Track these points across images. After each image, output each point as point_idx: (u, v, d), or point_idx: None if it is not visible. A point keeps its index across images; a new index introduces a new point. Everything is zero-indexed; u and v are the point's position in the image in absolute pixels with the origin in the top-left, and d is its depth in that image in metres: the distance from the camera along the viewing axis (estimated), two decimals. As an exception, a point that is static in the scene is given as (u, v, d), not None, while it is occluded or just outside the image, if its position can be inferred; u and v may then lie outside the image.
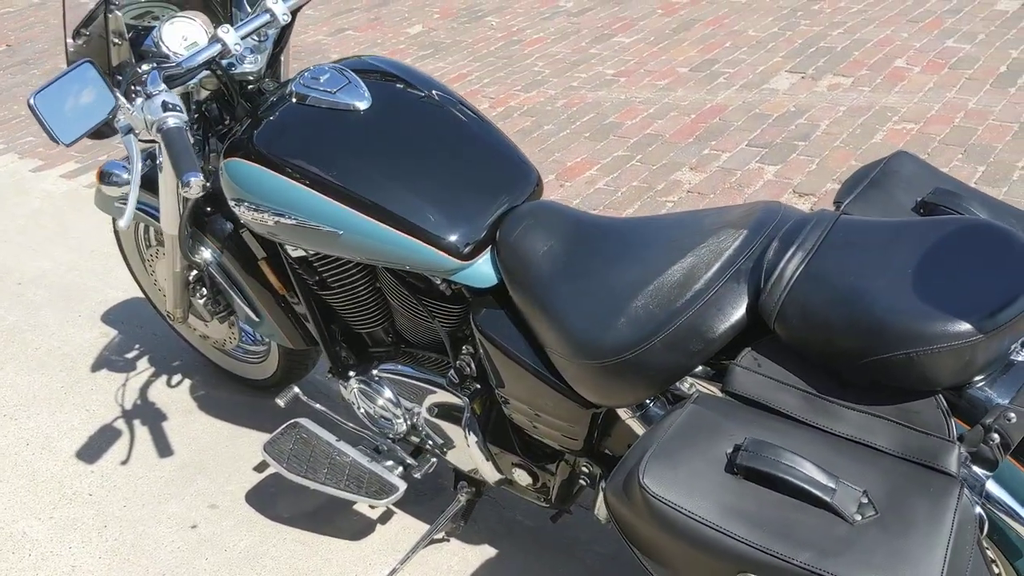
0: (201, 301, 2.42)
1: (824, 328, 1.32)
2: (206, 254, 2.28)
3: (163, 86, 1.68)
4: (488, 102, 4.54)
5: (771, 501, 1.23)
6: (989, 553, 1.41)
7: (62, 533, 2.28)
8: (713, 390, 1.49)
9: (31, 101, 1.63)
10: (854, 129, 3.82)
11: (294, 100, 1.86)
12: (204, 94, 2.06)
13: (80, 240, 3.68)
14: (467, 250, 1.72)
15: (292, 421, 2.18)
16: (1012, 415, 1.23)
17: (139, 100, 1.69)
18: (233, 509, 2.31)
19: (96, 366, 2.93)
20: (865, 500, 1.22)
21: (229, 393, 2.73)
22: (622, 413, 1.63)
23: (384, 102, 1.86)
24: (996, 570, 1.43)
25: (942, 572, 1.13)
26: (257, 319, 2.34)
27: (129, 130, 1.74)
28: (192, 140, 1.98)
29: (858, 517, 1.20)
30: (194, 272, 2.37)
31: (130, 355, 2.97)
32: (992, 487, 1.30)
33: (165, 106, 1.62)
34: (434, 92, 1.94)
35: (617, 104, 4.35)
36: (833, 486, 1.22)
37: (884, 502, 1.21)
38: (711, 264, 1.47)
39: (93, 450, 2.56)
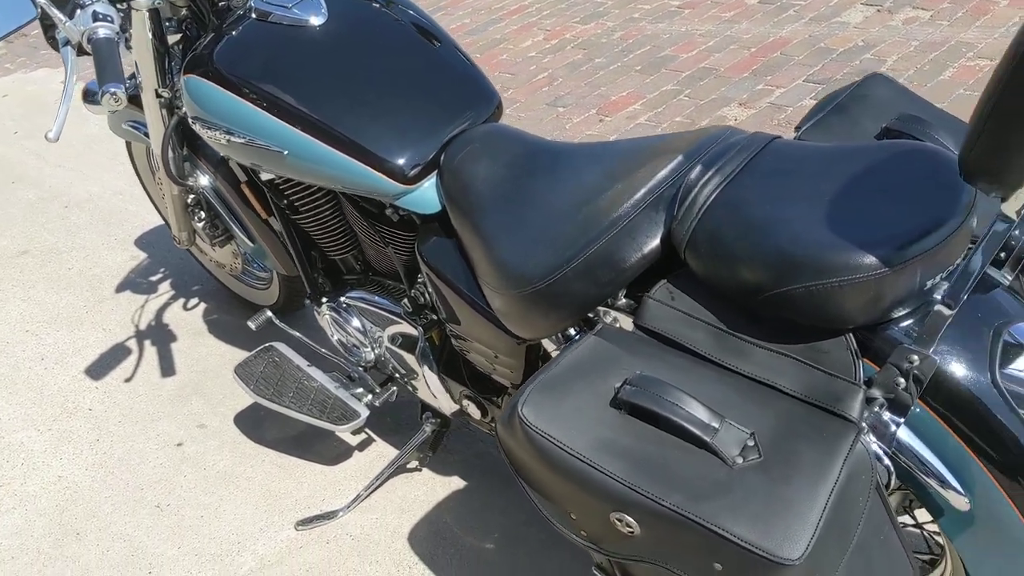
0: (200, 225, 2.42)
1: (729, 259, 1.21)
2: (202, 178, 2.28)
3: None
4: (543, 34, 4.41)
5: (651, 439, 1.15)
6: (917, 511, 1.30)
7: (57, 444, 2.35)
8: (629, 322, 1.40)
9: None
10: (923, 65, 3.55)
11: (253, 16, 1.82)
12: (183, 13, 2.04)
13: (128, 167, 3.75)
14: (411, 174, 1.65)
15: (267, 345, 2.17)
16: (915, 357, 1.11)
17: (77, 12, 1.67)
18: (220, 430, 2.34)
19: (120, 287, 3.00)
20: (752, 443, 1.12)
21: (238, 319, 2.75)
22: (548, 345, 1.55)
23: (340, 18, 1.80)
24: (914, 524, 1.31)
25: (818, 523, 1.03)
26: (252, 244, 2.34)
27: (66, 42, 1.72)
28: (157, 53, 1.96)
29: (740, 460, 1.11)
30: (192, 195, 2.38)
31: (154, 278, 3.03)
32: (906, 436, 1.18)
33: (95, 16, 1.60)
34: (397, 8, 1.87)
35: (676, 37, 4.16)
36: (717, 426, 1.12)
37: (771, 446, 1.12)
38: (634, 191, 1.37)
39: (102, 367, 2.62)
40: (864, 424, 1.16)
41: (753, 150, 1.31)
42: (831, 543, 1.07)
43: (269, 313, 2.16)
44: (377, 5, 1.85)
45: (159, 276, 3.03)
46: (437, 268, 1.66)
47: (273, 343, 2.18)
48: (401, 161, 1.65)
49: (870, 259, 1.09)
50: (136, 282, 3.02)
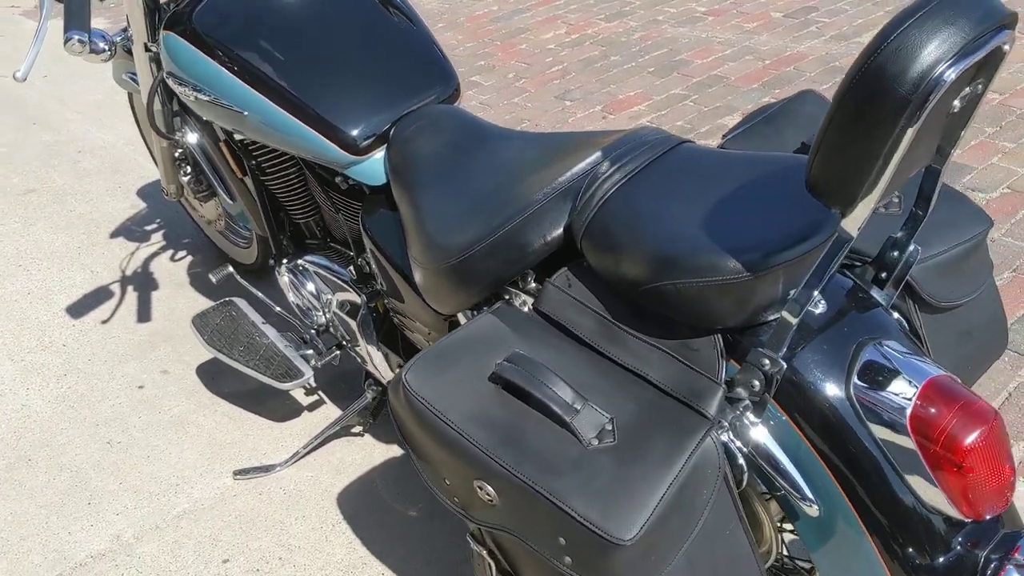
0: (186, 179, 2.51)
1: (614, 251, 1.26)
2: (189, 134, 2.35)
3: None
4: (566, 28, 4.45)
5: (519, 414, 1.20)
6: (772, 509, 1.34)
7: (26, 376, 2.45)
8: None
9: None
10: (931, 92, 3.54)
11: None
12: None
13: (144, 118, 3.87)
14: (360, 145, 1.71)
15: (227, 299, 2.25)
16: (766, 360, 1.15)
17: None
18: (181, 377, 2.43)
19: (115, 233, 3.10)
20: (609, 427, 1.17)
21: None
22: (462, 320, 1.61)
23: None
24: (766, 526, 1.35)
25: (655, 508, 1.08)
26: (232, 202, 2.42)
27: None
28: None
29: (595, 442, 1.16)
30: (179, 150, 2.46)
31: (149, 227, 3.13)
32: (764, 439, 1.22)
33: None
34: None
35: (694, 42, 4.18)
36: (579, 408, 1.17)
37: (628, 432, 1.17)
38: (547, 180, 1.42)
39: (82, 307, 2.72)
40: (724, 421, 1.20)
41: (660, 150, 1.36)
42: (669, 529, 1.12)
43: (230, 268, 2.24)
44: None
45: (154, 226, 3.13)
46: (376, 239, 1.73)
47: (234, 298, 2.26)
48: (352, 132, 1.71)
49: (734, 263, 1.13)
50: (131, 229, 3.11)
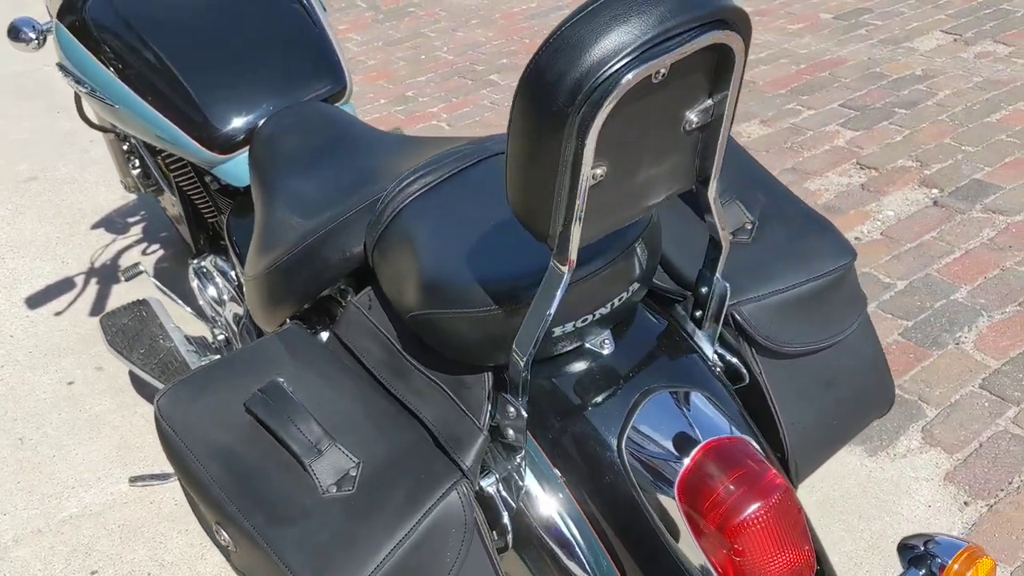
0: (135, 173, 2.45)
1: (390, 272, 1.11)
2: None
3: None
4: (599, 27, 4.26)
5: (265, 452, 1.06)
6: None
7: (-35, 364, 2.44)
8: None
9: None
10: (973, 104, 3.23)
11: None
12: None
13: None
14: (223, 142, 1.61)
15: (140, 299, 2.17)
16: (511, 408, 0.99)
17: None
18: (114, 375, 2.37)
19: (97, 224, 3.08)
20: (353, 473, 1.02)
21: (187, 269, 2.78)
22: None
23: None
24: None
25: (374, 569, 0.94)
26: (174, 197, 2.35)
27: None
28: None
29: (333, 490, 1.01)
30: (127, 143, 2.41)
31: (132, 219, 3.10)
32: (532, 492, 1.05)
33: None
34: None
35: (729, 44, 3.94)
36: (323, 449, 1.03)
37: (369, 481, 1.02)
38: (365, 189, 1.28)
39: (41, 297, 2.70)
40: (494, 472, 1.05)
41: (468, 161, 1.20)
42: None
43: (142, 268, 2.16)
44: None
45: (136, 219, 3.10)
46: (235, 245, 1.61)
47: (149, 298, 2.18)
48: (215, 128, 1.60)
49: (482, 295, 0.97)
50: (113, 221, 3.09)
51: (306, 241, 1.26)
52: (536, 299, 0.89)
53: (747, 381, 1.16)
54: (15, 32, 2.33)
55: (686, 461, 0.96)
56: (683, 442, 0.98)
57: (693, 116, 0.83)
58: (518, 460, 1.04)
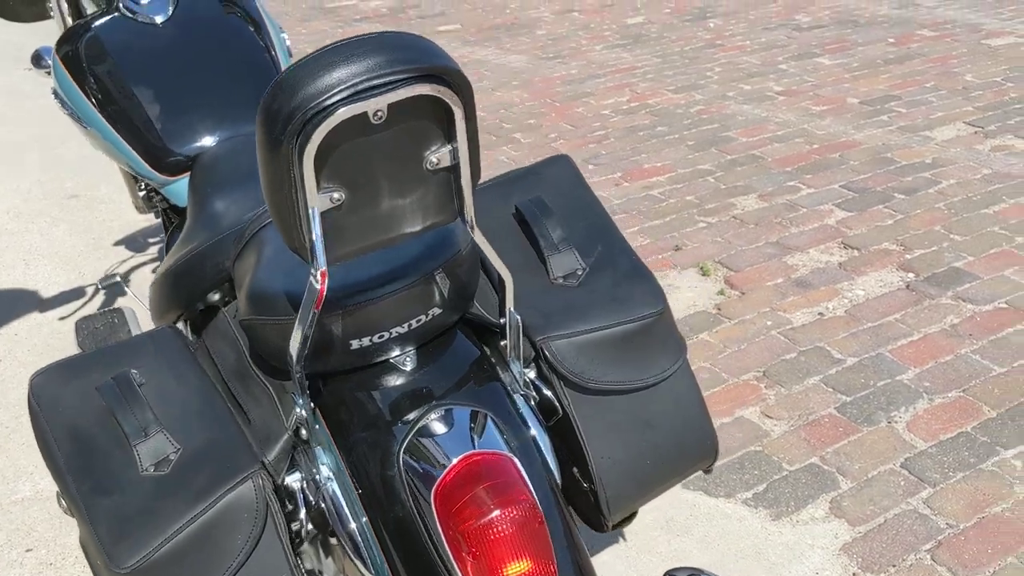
0: (140, 195, 2.66)
1: (237, 286, 1.25)
2: None
3: None
4: (629, 96, 4.40)
5: (107, 432, 1.19)
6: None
7: (-32, 355, 2.66)
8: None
9: None
10: (974, 195, 3.25)
11: (121, 8, 2.01)
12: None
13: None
14: (167, 163, 1.77)
15: (116, 307, 2.35)
16: (296, 408, 1.10)
17: None
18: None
19: (120, 241, 3.31)
20: (173, 458, 1.14)
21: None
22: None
23: (181, 19, 1.95)
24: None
25: (163, 541, 1.05)
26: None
27: None
28: None
29: (152, 470, 1.13)
30: (134, 165, 2.62)
31: (152, 239, 3.32)
32: (329, 490, 1.16)
33: None
34: (246, 16, 1.99)
35: (750, 120, 4.03)
36: (148, 435, 1.16)
37: (183, 466, 1.14)
38: (249, 205, 1.43)
39: (51, 303, 2.92)
40: (299, 470, 1.16)
41: None
42: (187, 568, 1.08)
43: (118, 278, 2.34)
44: (229, 10, 1.98)
45: (155, 239, 3.32)
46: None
47: (124, 307, 2.35)
48: (165, 153, 1.77)
49: (284, 305, 1.10)
50: (135, 239, 3.32)
51: (191, 253, 1.41)
52: (301, 308, 1.01)
53: (560, 414, 1.25)
54: (37, 59, 2.58)
55: (446, 469, 1.06)
56: (450, 453, 1.07)
57: (433, 157, 0.95)
58: (318, 460, 1.15)
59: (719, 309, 2.69)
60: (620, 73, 4.71)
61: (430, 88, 0.89)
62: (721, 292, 2.77)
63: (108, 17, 2.00)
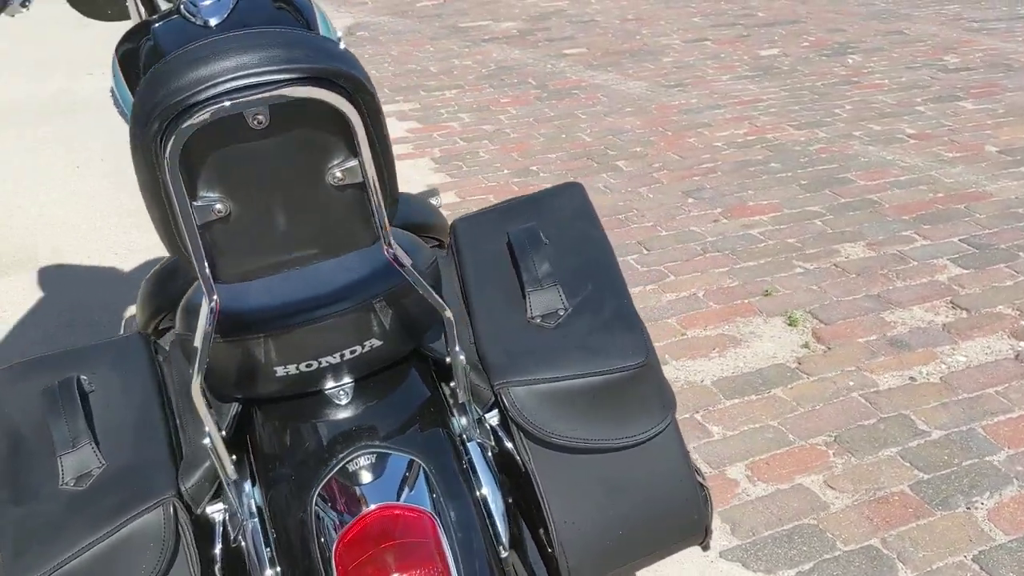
0: None
1: None
2: None
3: None
4: (747, 129, 4.19)
5: (41, 438, 1.15)
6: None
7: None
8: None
9: None
10: (1114, 259, 2.91)
11: (179, 5, 2.01)
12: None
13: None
14: None
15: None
16: (207, 436, 1.02)
17: None
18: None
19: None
20: (95, 473, 1.08)
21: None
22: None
23: (233, 22, 1.93)
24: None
25: (59, 563, 0.99)
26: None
27: None
28: None
29: (72, 484, 1.07)
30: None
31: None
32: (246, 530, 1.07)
33: None
34: (306, 24, 1.95)
35: (873, 163, 3.76)
36: (75, 447, 1.10)
37: (103, 482, 1.07)
38: None
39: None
40: (223, 503, 1.08)
41: None
42: None
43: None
44: (276, 14, 1.95)
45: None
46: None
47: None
48: None
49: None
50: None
51: (172, 259, 1.35)
52: (198, 326, 0.92)
53: (524, 469, 1.12)
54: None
55: (353, 521, 0.95)
56: (366, 503, 0.97)
57: (337, 172, 0.85)
58: (243, 494, 1.07)
59: (800, 363, 2.48)
60: (742, 105, 4.50)
61: (318, 92, 0.79)
62: (806, 345, 2.55)
63: (168, 18, 2.00)
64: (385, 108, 5.35)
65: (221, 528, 1.08)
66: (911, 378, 2.39)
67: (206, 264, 0.84)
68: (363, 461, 1.01)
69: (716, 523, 1.96)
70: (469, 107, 4.63)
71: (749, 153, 3.92)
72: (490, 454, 1.13)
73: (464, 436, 1.10)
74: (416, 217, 1.53)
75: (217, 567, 1.07)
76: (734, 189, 3.57)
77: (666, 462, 1.15)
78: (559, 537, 1.12)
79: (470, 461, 1.09)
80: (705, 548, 1.26)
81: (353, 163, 0.85)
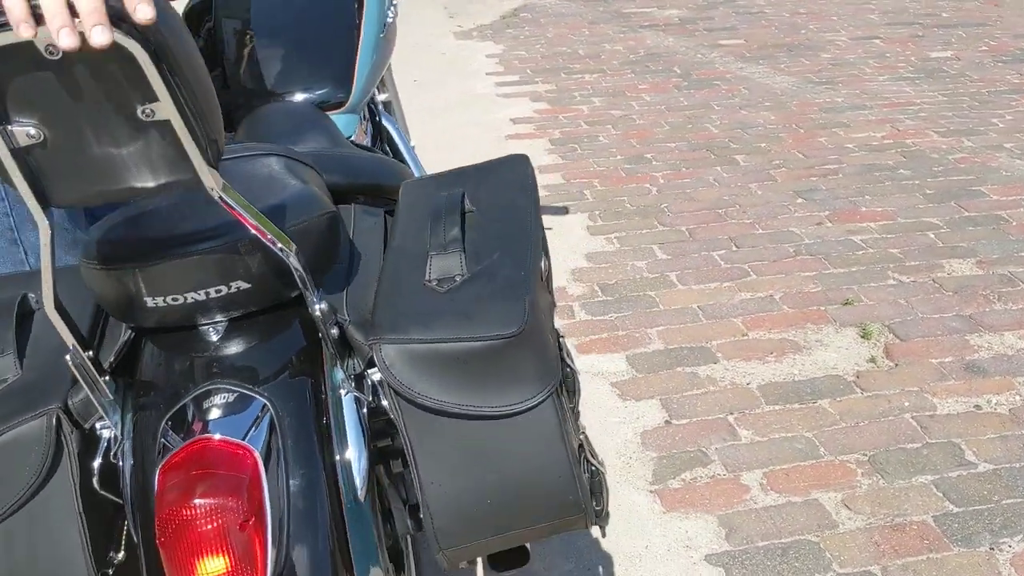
0: None
1: None
2: None
3: None
4: (888, 131, 3.96)
5: None
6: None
7: None
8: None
9: None
10: None
11: None
12: None
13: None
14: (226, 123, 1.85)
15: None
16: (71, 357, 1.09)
17: None
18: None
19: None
20: (8, 382, 1.19)
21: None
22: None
23: None
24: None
25: None
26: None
27: None
28: None
29: None
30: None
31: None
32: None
33: None
34: None
35: (1015, 177, 3.47)
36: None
37: (9, 391, 1.18)
38: None
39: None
40: (112, 421, 1.16)
41: (241, 153, 1.30)
42: None
43: None
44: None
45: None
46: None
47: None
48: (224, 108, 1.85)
49: (91, 248, 1.09)
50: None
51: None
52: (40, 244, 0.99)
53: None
54: None
55: (179, 447, 1.00)
56: (194, 432, 1.02)
57: (147, 108, 0.88)
58: (109, 410, 1.13)
59: (858, 377, 2.34)
60: (891, 107, 4.25)
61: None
62: (872, 360, 2.41)
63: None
64: (521, 89, 5.41)
65: (105, 444, 1.16)
66: (976, 406, 2.21)
67: (27, 185, 0.90)
68: (217, 399, 1.06)
69: (711, 525, 1.89)
70: (604, 91, 4.60)
71: (880, 157, 3.70)
72: (365, 409, 1.15)
73: (338, 388, 1.13)
74: (385, 179, 1.56)
75: (95, 479, 1.15)
76: (850, 193, 3.39)
77: (539, 437, 1.14)
78: (425, 496, 1.13)
79: (339, 414, 1.12)
80: (603, 533, 1.23)
81: (158, 102, 0.88)
